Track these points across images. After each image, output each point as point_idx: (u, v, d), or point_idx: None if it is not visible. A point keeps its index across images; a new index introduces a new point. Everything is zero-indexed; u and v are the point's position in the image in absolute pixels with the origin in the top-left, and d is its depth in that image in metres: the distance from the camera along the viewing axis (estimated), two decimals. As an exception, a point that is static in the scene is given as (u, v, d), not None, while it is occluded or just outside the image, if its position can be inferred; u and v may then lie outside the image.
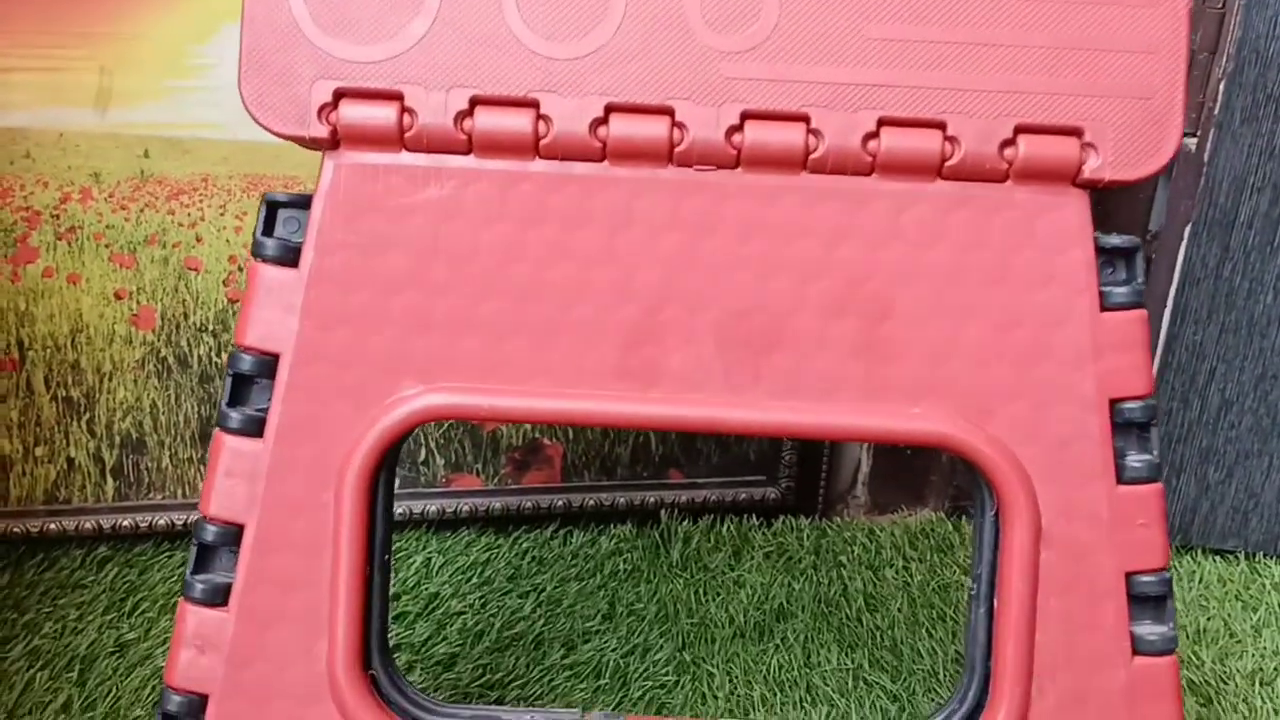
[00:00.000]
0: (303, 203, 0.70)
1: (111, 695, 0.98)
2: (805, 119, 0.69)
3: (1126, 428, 0.70)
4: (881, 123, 0.69)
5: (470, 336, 0.71)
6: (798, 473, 1.27)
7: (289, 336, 0.70)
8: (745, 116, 0.69)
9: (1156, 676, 0.70)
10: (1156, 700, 0.70)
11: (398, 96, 0.69)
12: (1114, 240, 0.70)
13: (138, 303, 1.11)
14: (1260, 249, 1.16)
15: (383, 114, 0.69)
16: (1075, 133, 0.69)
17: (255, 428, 0.71)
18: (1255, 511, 1.23)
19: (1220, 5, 1.13)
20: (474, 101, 0.69)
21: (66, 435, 1.13)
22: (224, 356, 1.14)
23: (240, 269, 1.12)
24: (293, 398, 0.71)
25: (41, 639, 1.04)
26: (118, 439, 1.14)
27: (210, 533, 0.71)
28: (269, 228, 0.71)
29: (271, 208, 0.71)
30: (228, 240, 1.10)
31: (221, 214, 1.10)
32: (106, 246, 1.09)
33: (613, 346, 0.70)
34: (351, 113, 0.69)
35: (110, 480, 1.16)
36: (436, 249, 0.70)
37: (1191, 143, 1.17)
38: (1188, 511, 1.24)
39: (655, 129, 0.69)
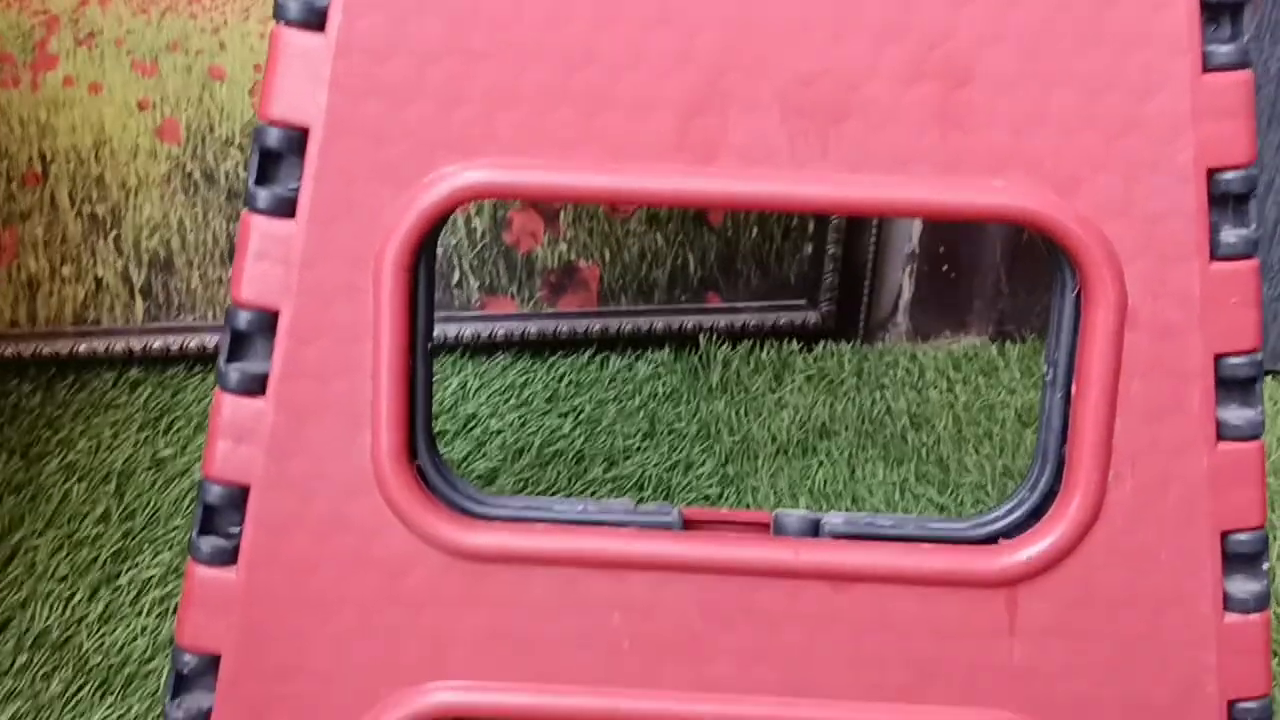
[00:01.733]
0: (330, -43, 0.64)
1: (150, 506, 0.95)
2: None
3: (1223, 200, 0.64)
4: None
5: (513, 108, 0.64)
6: (838, 296, 1.22)
7: (317, 108, 0.64)
8: None
9: (1242, 461, 0.65)
10: (1241, 486, 0.65)
11: None
12: None
13: (161, 114, 1.05)
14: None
15: None
16: None
17: (286, 208, 0.65)
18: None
19: None
20: None
21: (93, 254, 1.08)
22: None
23: (266, 79, 1.05)
24: (324, 175, 0.65)
25: (76, 454, 1.01)
26: (145, 258, 1.09)
27: (244, 319, 0.66)
28: None
29: None
30: (252, 47, 1.04)
31: (245, 19, 1.03)
32: (128, 53, 1.02)
33: (668, 116, 0.64)
34: None
35: (140, 301, 1.11)
36: (475, 12, 0.64)
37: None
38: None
39: None
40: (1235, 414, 0.65)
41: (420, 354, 0.69)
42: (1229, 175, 0.63)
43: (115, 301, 1.10)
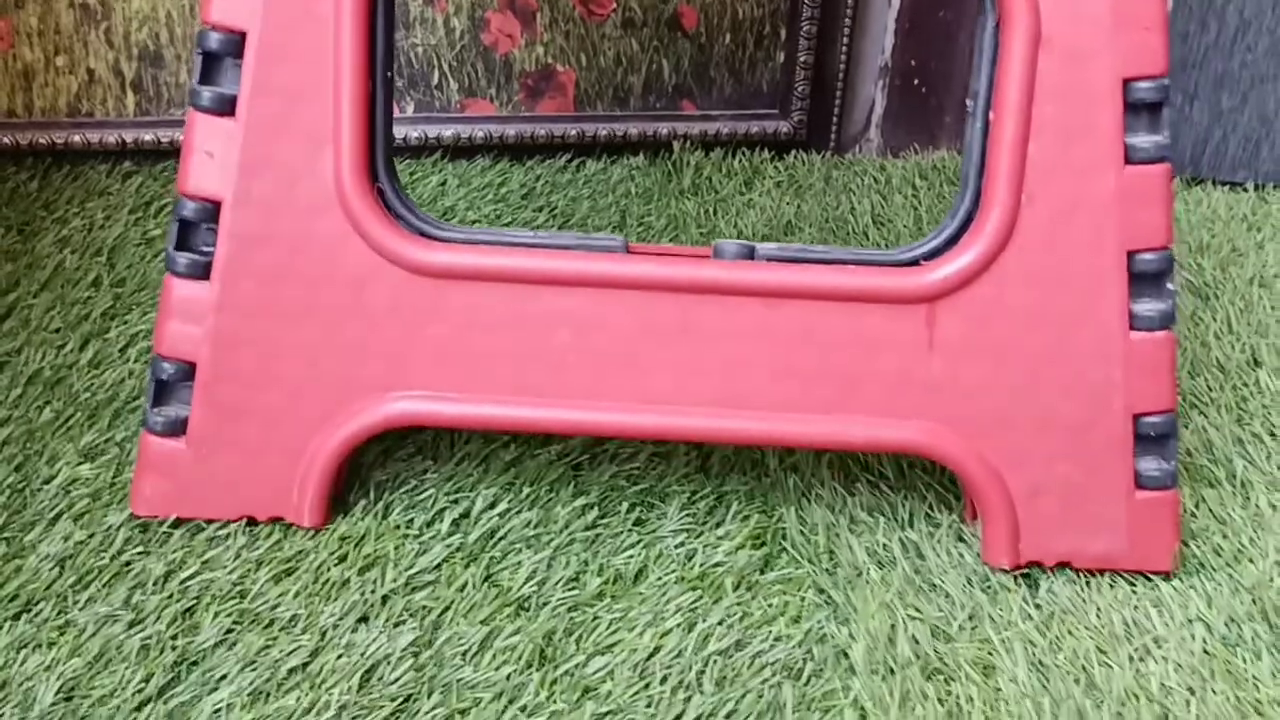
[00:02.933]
0: None
1: (139, 275, 1.00)
2: None
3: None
4: None
5: None
6: (810, 106, 1.25)
7: None
8: None
9: (1148, 183, 0.69)
10: (1147, 208, 0.69)
11: None
12: None
13: (148, -96, 1.08)
14: None
15: None
16: None
17: None
18: (1267, 140, 1.20)
19: None
20: None
21: (85, 45, 1.12)
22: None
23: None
24: None
25: (70, 231, 1.06)
26: (135, 51, 1.13)
27: (214, 39, 0.70)
28: None
29: None
30: None
31: None
32: None
33: None
34: None
35: (130, 94, 1.15)
36: None
37: None
38: (1199, 142, 1.21)
39: None
40: (1143, 139, 0.69)
41: (380, 80, 0.73)
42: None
43: (107, 94, 1.14)
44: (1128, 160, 0.69)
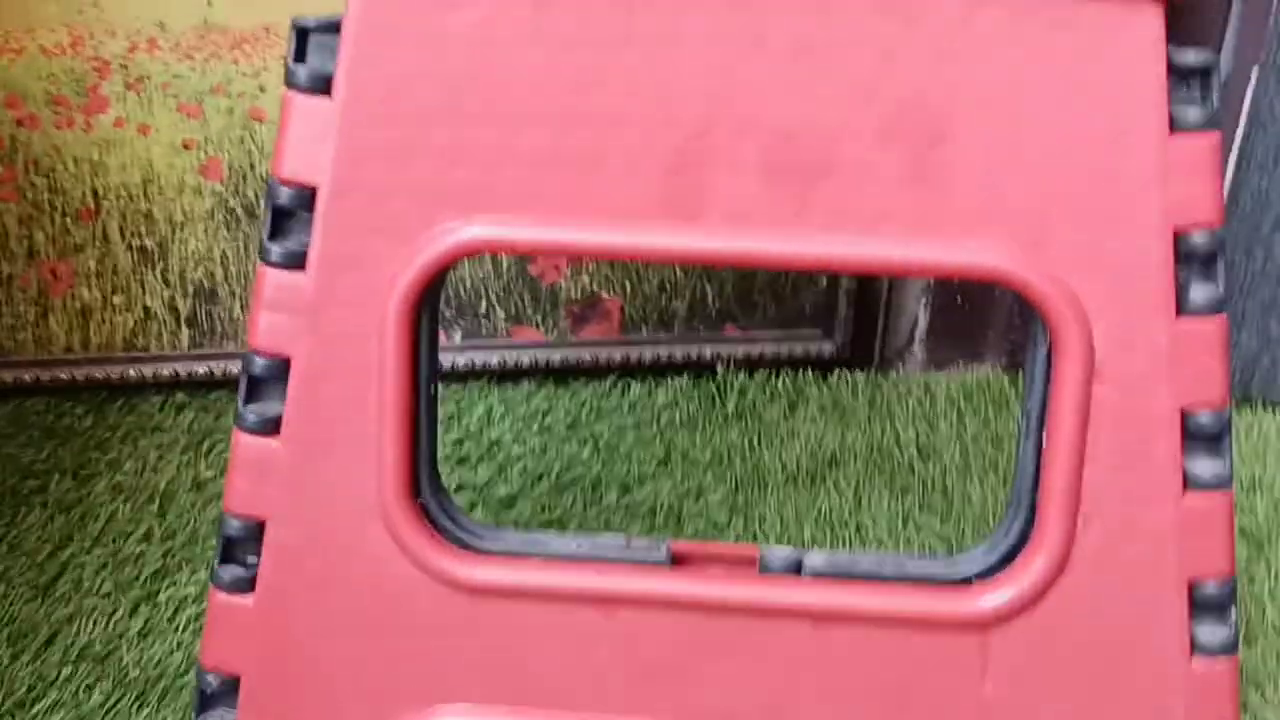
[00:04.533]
0: (334, 28, 0.66)
1: (190, 527, 0.99)
2: None
3: (1190, 258, 0.65)
4: None
5: (509, 167, 0.66)
6: (854, 326, 1.23)
7: (325, 168, 0.67)
8: None
9: (1209, 512, 0.66)
10: (1207, 535, 0.66)
11: None
12: (1188, 57, 0.63)
13: (205, 153, 1.08)
14: (1335, 96, 1.08)
15: None
16: None
17: (298, 261, 0.68)
18: (1316, 367, 1.17)
19: None
20: None
21: (142, 284, 1.12)
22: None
23: (304, 121, 1.09)
24: (331, 231, 0.67)
25: (124, 475, 1.05)
26: (191, 288, 1.13)
27: (259, 365, 0.69)
28: (300, 54, 0.67)
29: (301, 34, 0.67)
30: (291, 91, 1.07)
31: (284, 63, 1.06)
32: (174, 96, 1.06)
33: (656, 175, 0.66)
34: None
35: (185, 329, 1.15)
36: (471, 78, 0.66)
37: (1266, -15, 1.08)
38: (1248, 365, 1.18)
39: None
40: (1203, 466, 0.66)
41: (424, 395, 0.71)
42: (1196, 235, 0.64)
43: (162, 329, 1.14)
44: (1186, 488, 0.65)
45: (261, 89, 1.07)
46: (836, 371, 1.25)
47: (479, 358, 1.19)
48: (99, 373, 1.14)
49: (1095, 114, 0.63)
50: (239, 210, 1.11)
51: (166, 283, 1.13)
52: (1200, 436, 0.66)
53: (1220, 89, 1.07)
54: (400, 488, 0.69)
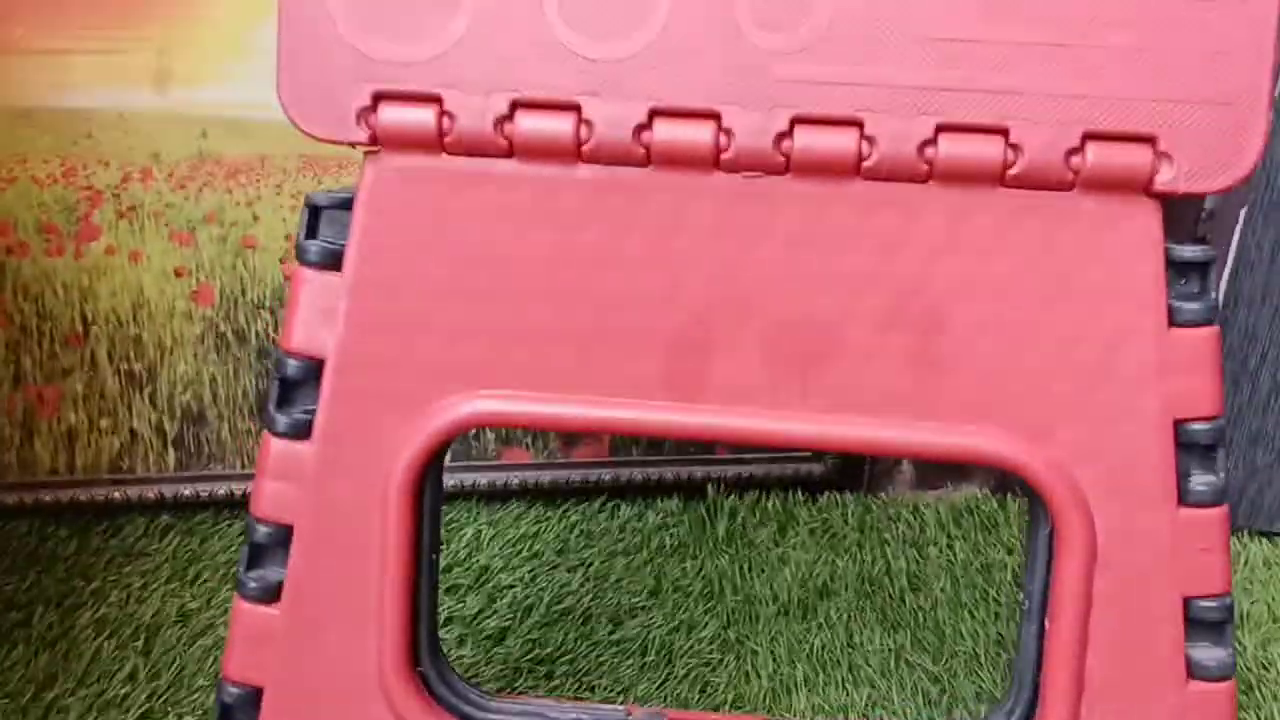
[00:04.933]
0: (345, 204, 0.66)
1: (176, 665, 0.97)
2: (859, 124, 0.63)
3: (1191, 449, 0.65)
4: (940, 129, 0.63)
5: (514, 344, 0.67)
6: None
7: (333, 342, 0.67)
8: (795, 121, 0.63)
9: (1212, 702, 0.65)
10: (1211, 723, 0.65)
11: (436, 99, 0.64)
12: (1186, 253, 0.64)
13: (197, 280, 1.08)
14: (1319, 235, 1.09)
15: (421, 118, 0.64)
16: (1148, 140, 0.62)
17: (303, 430, 0.68)
18: (1303, 495, 1.17)
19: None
20: (514, 105, 0.64)
21: (129, 407, 1.11)
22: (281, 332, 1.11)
23: (297, 247, 1.08)
24: (337, 403, 0.67)
25: (108, 607, 1.03)
26: (179, 411, 1.12)
27: (261, 533, 0.68)
28: (311, 231, 0.67)
29: (314, 211, 0.67)
30: (284, 219, 1.07)
31: (278, 193, 1.06)
32: (166, 225, 1.06)
33: (658, 356, 0.66)
34: (390, 116, 0.64)
35: (172, 451, 1.13)
36: (479, 255, 0.66)
37: (1251, 125, 1.10)
38: (1235, 494, 1.18)
39: (700, 135, 0.64)
40: (1206, 653, 0.65)
41: (425, 565, 0.71)
42: (1196, 426, 0.64)
43: (149, 451, 1.13)
44: (1190, 677, 0.65)
45: (255, 217, 1.06)
46: (826, 493, 1.24)
47: (468, 478, 1.18)
48: (83, 495, 1.12)
49: (1094, 308, 0.64)
50: (229, 335, 1.10)
51: (154, 406, 1.12)
52: (1203, 624, 0.65)
53: (1210, 227, 1.08)
54: (400, 661, 0.69)
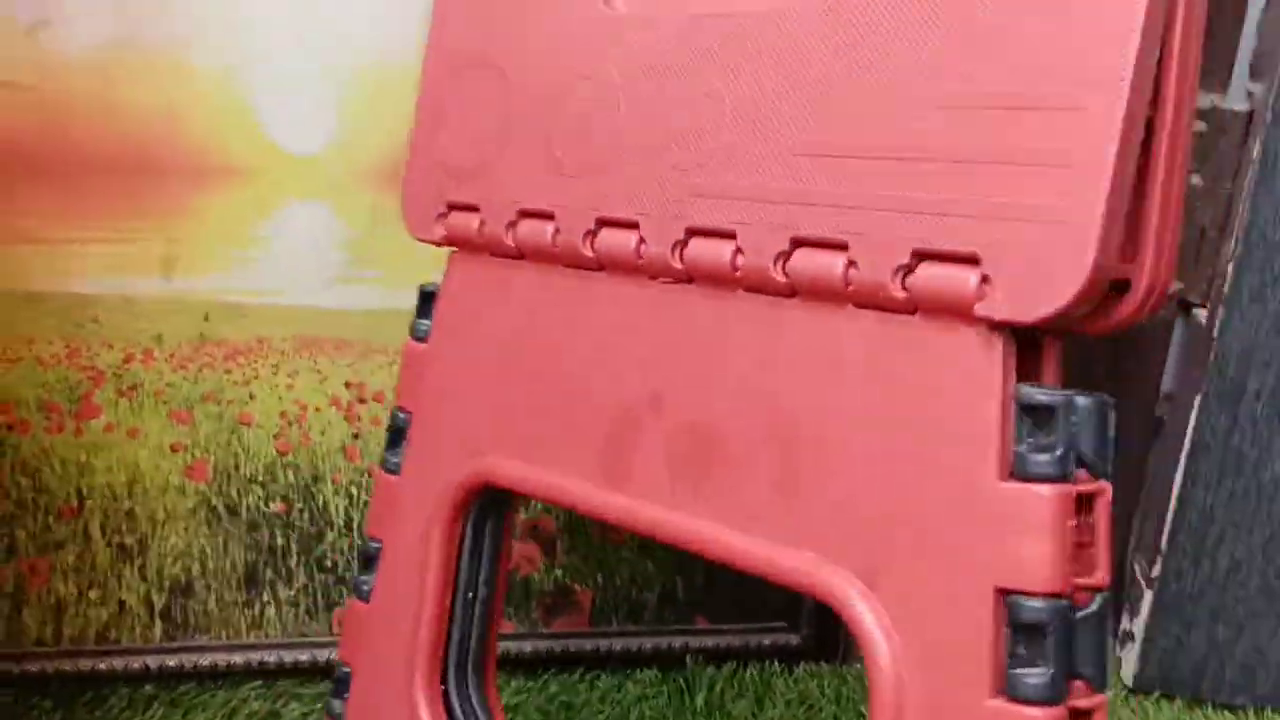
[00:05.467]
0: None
1: None
2: (733, 235, 0.64)
3: (1019, 629, 0.55)
4: (796, 242, 0.61)
5: (514, 418, 0.77)
6: (817, 620, 1.26)
7: (418, 401, 0.82)
8: (689, 232, 0.66)
9: None
10: None
11: (476, 209, 0.76)
12: (1038, 395, 0.56)
13: (192, 455, 1.11)
14: (1268, 420, 1.14)
15: (469, 223, 0.77)
16: (972, 261, 0.55)
17: (396, 469, 0.83)
18: (1263, 667, 1.21)
19: (1229, 187, 1.13)
20: (519, 214, 0.74)
21: (119, 579, 1.13)
22: (271, 506, 1.14)
23: (290, 424, 1.12)
24: (413, 450, 0.82)
25: (89, 787, 1.03)
26: (167, 583, 1.14)
27: (369, 545, 0.84)
28: (420, 312, 0.82)
29: (423, 297, 0.83)
30: (280, 397, 1.11)
31: (275, 373, 1.10)
32: (165, 403, 1.09)
33: (599, 442, 0.72)
34: (453, 221, 0.78)
35: (159, 622, 1.15)
36: (496, 339, 0.77)
37: (1201, 315, 1.16)
38: (1198, 668, 1.22)
39: (625, 241, 0.69)
40: None
41: (461, 598, 0.81)
42: (1027, 602, 0.55)
43: (135, 623, 1.14)
44: None
45: (251, 396, 1.10)
46: (802, 664, 1.27)
47: (451, 650, 1.20)
48: (69, 665, 1.13)
49: (934, 447, 0.58)
50: (220, 508, 1.13)
51: (144, 577, 1.13)
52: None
53: (1167, 409, 1.13)
54: (427, 672, 0.79)
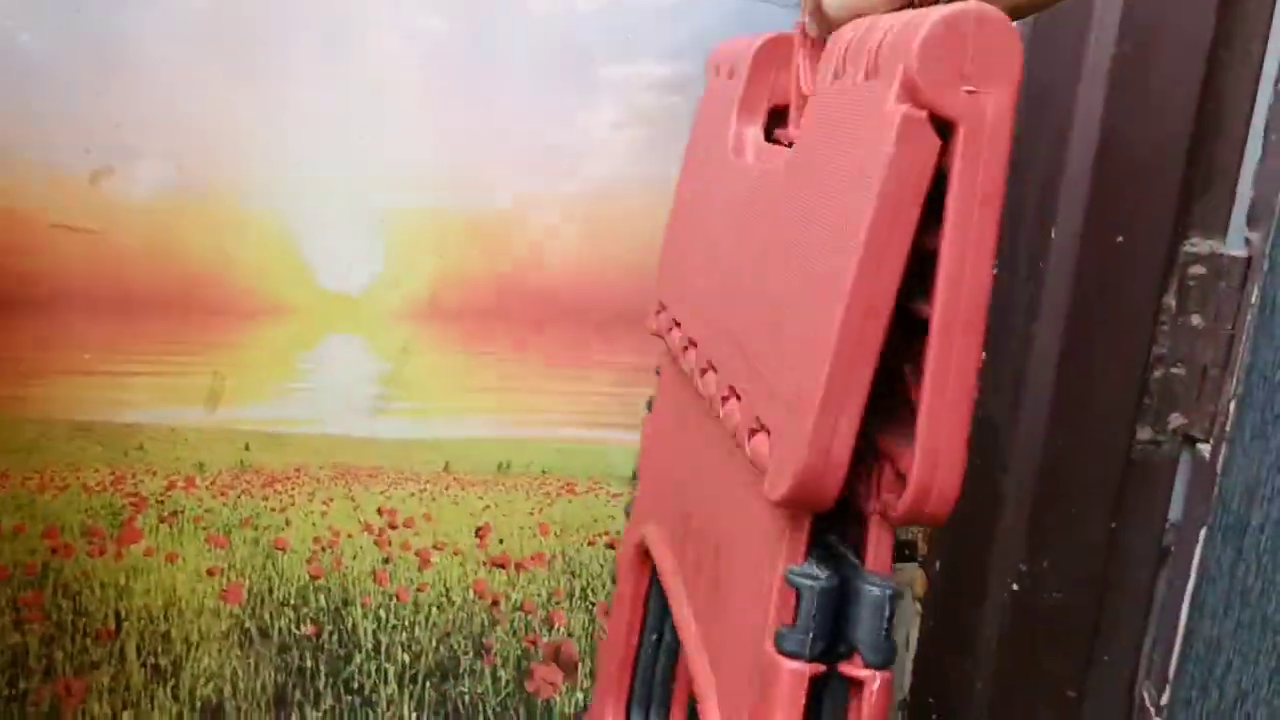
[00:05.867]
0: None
1: None
2: (714, 369, 0.64)
3: None
4: (731, 391, 0.59)
5: (660, 495, 0.80)
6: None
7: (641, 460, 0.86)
8: (703, 369, 0.66)
9: None
10: None
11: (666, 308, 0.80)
12: (798, 577, 0.50)
13: (228, 579, 1.14)
14: (1272, 553, 1.18)
15: (661, 320, 0.81)
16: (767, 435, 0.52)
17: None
18: (1273, 798, 1.22)
19: (1230, 328, 1.18)
20: (672, 323, 0.78)
21: (152, 700, 1.15)
22: (303, 628, 1.17)
23: (323, 549, 1.15)
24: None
25: None
26: (199, 704, 1.16)
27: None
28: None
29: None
30: (314, 523, 1.14)
31: (310, 499, 1.14)
32: (204, 529, 1.12)
33: (671, 524, 0.76)
34: (660, 318, 0.82)
35: (189, 744, 1.17)
36: (658, 423, 0.83)
37: (1205, 450, 1.20)
38: (1209, 797, 1.23)
39: (686, 363, 0.72)
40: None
41: (645, 640, 0.84)
42: None
43: (167, 745, 1.17)
44: None
45: (287, 522, 1.13)
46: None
47: (474, 772, 1.22)
48: (99, 788, 1.15)
49: (762, 605, 0.54)
50: (253, 631, 1.16)
51: (176, 698, 1.16)
52: None
53: (1174, 538, 1.16)
54: (616, 699, 0.83)
